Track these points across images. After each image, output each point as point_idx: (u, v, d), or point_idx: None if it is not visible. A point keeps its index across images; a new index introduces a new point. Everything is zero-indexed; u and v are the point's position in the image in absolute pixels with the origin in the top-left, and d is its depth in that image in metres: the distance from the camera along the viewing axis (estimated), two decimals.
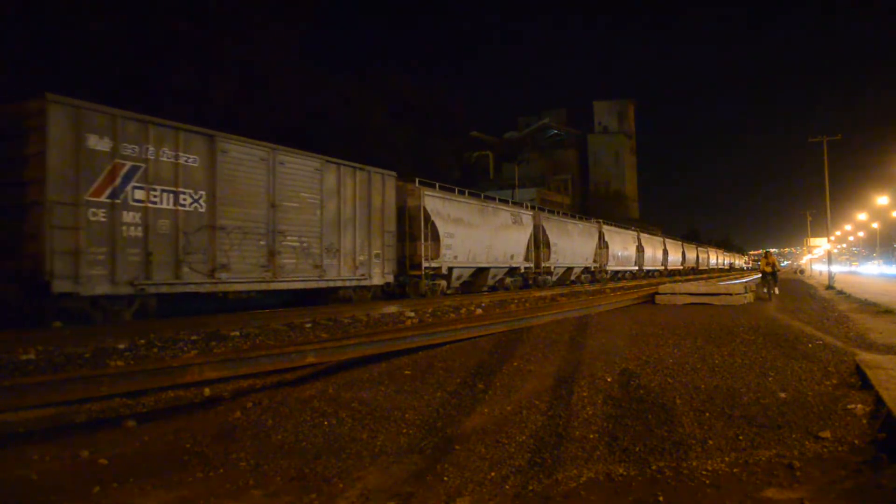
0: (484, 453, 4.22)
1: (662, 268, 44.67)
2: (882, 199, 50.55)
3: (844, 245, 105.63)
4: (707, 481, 3.72)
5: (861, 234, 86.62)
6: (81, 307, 9.60)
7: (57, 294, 9.15)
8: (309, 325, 9.62)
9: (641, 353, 7.48)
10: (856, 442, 4.33)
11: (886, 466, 3.76)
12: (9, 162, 9.37)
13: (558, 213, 29.17)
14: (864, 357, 7.13)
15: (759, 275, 21.85)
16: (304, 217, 13.40)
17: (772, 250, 20.86)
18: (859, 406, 5.10)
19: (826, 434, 4.46)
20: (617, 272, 34.89)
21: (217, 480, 3.81)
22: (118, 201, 9.88)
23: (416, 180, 17.81)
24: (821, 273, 62.86)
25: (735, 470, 3.88)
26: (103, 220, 9.71)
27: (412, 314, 11.75)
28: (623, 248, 35.79)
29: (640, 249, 38.72)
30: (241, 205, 11.92)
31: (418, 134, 40.55)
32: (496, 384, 6.10)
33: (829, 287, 28.49)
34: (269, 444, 4.45)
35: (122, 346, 7.07)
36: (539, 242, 24.44)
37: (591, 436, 4.52)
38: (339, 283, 14.44)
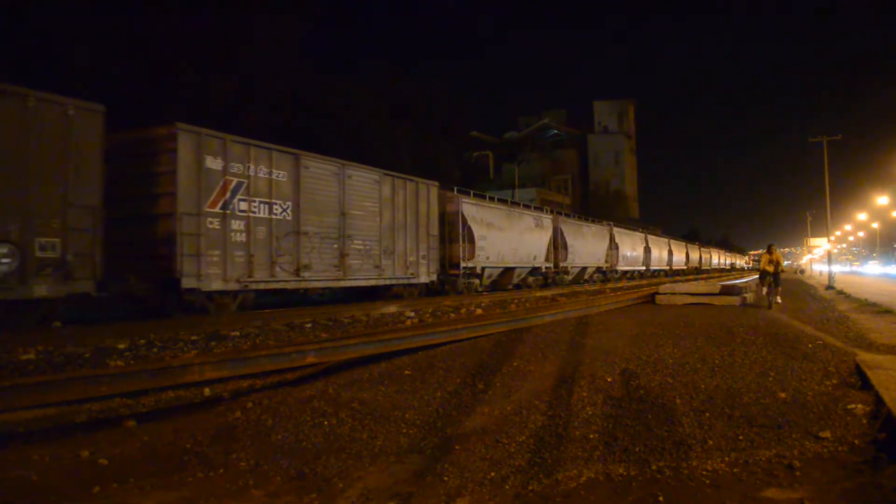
0: (484, 453, 4.22)
1: (668, 268, 45.82)
2: (882, 199, 50.55)
3: (844, 245, 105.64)
4: (707, 481, 3.72)
5: (861, 234, 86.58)
6: (200, 301, 11.17)
7: (184, 289, 10.74)
8: (309, 325, 9.62)
9: (641, 353, 7.48)
10: (856, 442, 4.33)
11: (886, 466, 3.76)
12: (140, 178, 10.96)
13: (574, 216, 30.54)
14: (864, 357, 7.13)
15: (759, 275, 16.78)
16: (367, 223, 15.16)
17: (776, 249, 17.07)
18: (859, 406, 5.10)
19: (826, 434, 4.46)
20: (626, 272, 36.08)
21: (217, 480, 3.81)
22: (228, 211, 11.58)
23: (455, 188, 19.48)
24: (821, 273, 62.86)
25: (735, 470, 3.88)
26: (217, 227, 11.39)
27: (412, 314, 11.74)
28: (632, 248, 36.92)
29: (647, 250, 39.95)
30: (318, 213, 13.69)
31: (418, 134, 40.53)
32: (496, 384, 6.10)
33: (829, 287, 28.51)
34: (269, 444, 4.45)
35: (122, 346, 7.07)
36: (557, 244, 25.85)
37: (591, 436, 4.52)
38: (393, 281, 16.13)
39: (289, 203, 12.89)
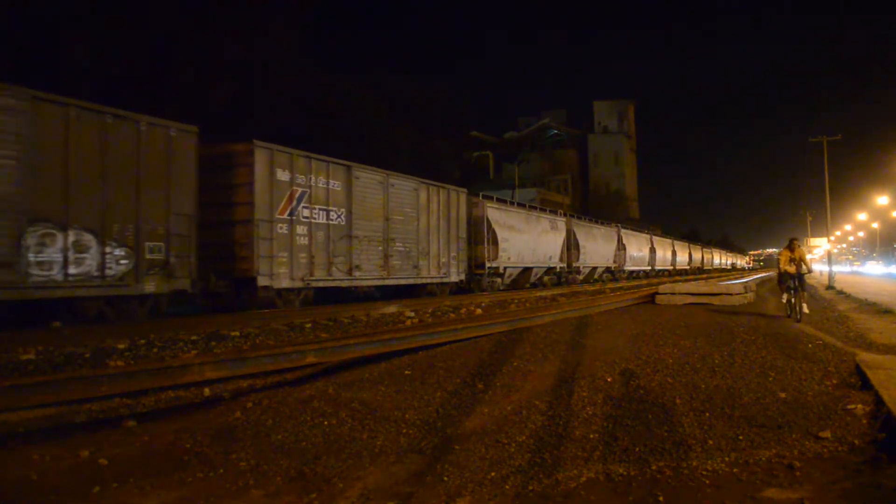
0: (484, 453, 4.22)
1: (671, 267, 47.28)
2: (882, 199, 50.55)
3: (844, 245, 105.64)
4: (707, 481, 3.72)
5: (861, 234, 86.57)
6: (271, 297, 12.59)
7: (260, 287, 12.21)
8: (309, 325, 9.62)
9: (641, 353, 7.48)
10: (856, 442, 4.33)
11: (886, 466, 3.76)
12: (220, 188, 12.28)
13: (585, 218, 32.11)
14: (864, 357, 7.14)
15: (778, 278, 12.77)
16: (406, 227, 16.67)
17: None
18: (859, 406, 5.10)
19: (826, 434, 4.46)
20: (633, 272, 37.39)
21: (217, 480, 3.81)
22: (294, 218, 13.02)
23: (480, 194, 21.05)
24: (821, 273, 62.82)
25: (735, 470, 3.88)
26: (285, 232, 12.81)
27: (412, 314, 11.74)
28: (638, 249, 38.31)
29: (652, 251, 41.31)
30: (367, 218, 15.19)
31: (419, 134, 40.55)
32: (496, 384, 6.10)
33: (829, 287, 28.50)
34: (269, 444, 4.45)
35: (122, 346, 7.07)
36: (570, 245, 27.08)
37: (591, 436, 4.52)
38: (428, 280, 17.66)
39: (342, 210, 14.37)
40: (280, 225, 12.69)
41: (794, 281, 11.79)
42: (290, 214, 12.94)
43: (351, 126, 32.28)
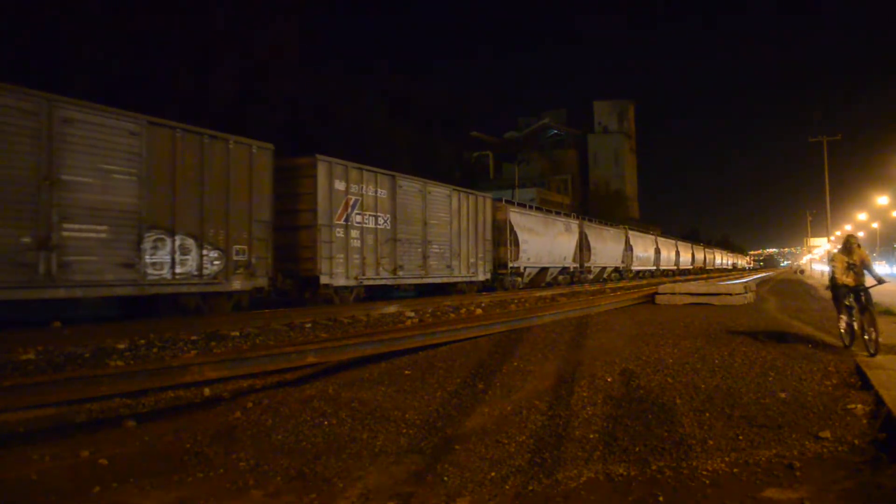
0: (484, 453, 4.22)
1: (675, 267, 48.35)
2: (882, 199, 50.42)
3: None
4: (707, 481, 3.72)
5: (861, 234, 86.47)
6: (329, 294, 13.99)
7: (322, 285, 13.64)
8: (309, 325, 9.62)
9: (641, 353, 7.48)
10: (856, 442, 4.33)
11: (886, 466, 3.76)
12: (287, 197, 13.52)
13: (595, 220, 33.18)
14: (864, 357, 7.13)
15: (832, 292, 8.77)
16: (441, 231, 18.03)
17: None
18: (859, 406, 5.10)
19: (826, 434, 4.46)
20: (639, 271, 38.44)
21: (217, 480, 3.81)
22: (349, 223, 14.42)
23: (504, 199, 22.56)
24: (822, 273, 62.81)
25: (735, 470, 3.87)
26: (342, 236, 14.22)
27: (412, 314, 11.74)
28: (644, 250, 39.38)
29: (657, 251, 42.52)
30: (408, 223, 16.56)
31: (418, 134, 40.56)
32: (496, 384, 6.10)
33: (829, 287, 28.46)
34: (269, 444, 4.45)
35: (122, 346, 7.06)
36: (582, 246, 28.18)
37: (591, 436, 4.51)
38: (459, 279, 19.01)
39: (388, 215, 15.68)
40: (338, 229, 14.05)
41: (855, 297, 7.91)
42: (346, 220, 14.29)
43: (351, 126, 32.27)
